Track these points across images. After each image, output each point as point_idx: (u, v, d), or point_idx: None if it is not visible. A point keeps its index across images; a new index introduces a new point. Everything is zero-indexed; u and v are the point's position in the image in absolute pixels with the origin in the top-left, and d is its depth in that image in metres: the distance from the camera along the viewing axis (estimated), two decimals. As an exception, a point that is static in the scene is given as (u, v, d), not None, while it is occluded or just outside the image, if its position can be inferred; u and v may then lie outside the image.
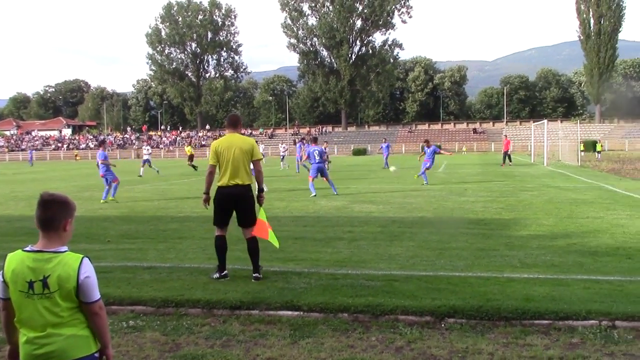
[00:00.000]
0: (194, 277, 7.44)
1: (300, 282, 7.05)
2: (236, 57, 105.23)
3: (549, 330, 5.36)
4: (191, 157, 37.69)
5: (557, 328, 5.39)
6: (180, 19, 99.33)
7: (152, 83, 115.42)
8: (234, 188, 7.37)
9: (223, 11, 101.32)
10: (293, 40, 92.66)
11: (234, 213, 7.53)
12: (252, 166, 7.61)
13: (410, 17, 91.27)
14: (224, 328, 5.67)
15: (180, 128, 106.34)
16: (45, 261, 2.79)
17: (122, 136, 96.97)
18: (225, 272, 7.37)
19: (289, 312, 5.97)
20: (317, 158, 18.51)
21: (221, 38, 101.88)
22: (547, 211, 13.42)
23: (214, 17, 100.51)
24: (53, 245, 2.83)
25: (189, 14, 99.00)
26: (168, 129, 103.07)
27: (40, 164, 63.04)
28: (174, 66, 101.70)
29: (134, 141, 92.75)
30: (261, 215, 7.67)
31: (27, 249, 2.84)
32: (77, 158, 76.07)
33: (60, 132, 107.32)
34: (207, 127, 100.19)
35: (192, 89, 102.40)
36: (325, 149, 22.36)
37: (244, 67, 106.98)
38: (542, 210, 13.54)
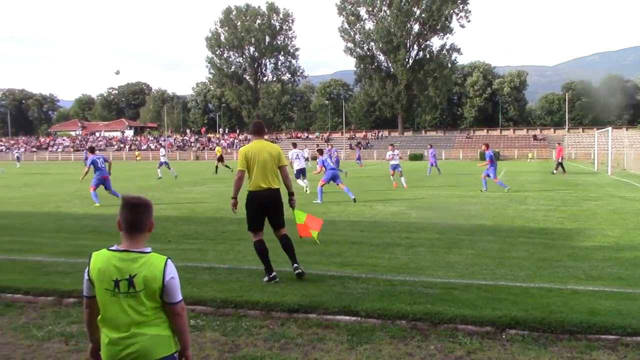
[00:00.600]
0: (253, 279, 7.52)
1: (358, 287, 7.03)
2: (293, 61, 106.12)
3: (616, 346, 5.18)
4: (221, 158, 38.57)
5: (624, 344, 5.21)
6: (239, 23, 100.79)
7: (211, 86, 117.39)
8: (266, 191, 7.52)
9: (281, 15, 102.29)
10: (350, 45, 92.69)
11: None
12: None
13: (469, 21, 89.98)
14: (282, 331, 5.71)
15: (238, 130, 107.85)
16: (131, 261, 2.86)
17: (181, 138, 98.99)
18: (274, 274, 7.44)
19: (347, 317, 5.97)
20: (332, 164, 18.78)
21: (279, 42, 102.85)
22: (612, 222, 12.98)
23: (272, 21, 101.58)
24: (138, 246, 2.92)
25: (248, 18, 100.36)
26: (226, 132, 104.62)
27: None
28: (232, 70, 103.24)
29: (193, 143, 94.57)
30: (298, 219, 7.90)
31: (113, 248, 2.91)
32: (138, 159, 78.02)
33: (123, 133, 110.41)
34: (265, 129, 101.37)
35: (249, 92, 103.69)
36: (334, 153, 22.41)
37: (300, 70, 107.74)
38: (607, 221, 13.11)
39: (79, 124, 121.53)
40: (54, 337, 5.60)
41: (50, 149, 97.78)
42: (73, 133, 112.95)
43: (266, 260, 7.52)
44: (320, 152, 19.90)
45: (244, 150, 7.71)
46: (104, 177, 17.23)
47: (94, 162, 17.29)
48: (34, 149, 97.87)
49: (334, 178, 18.50)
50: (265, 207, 7.61)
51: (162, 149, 35.32)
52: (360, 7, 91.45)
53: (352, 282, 7.28)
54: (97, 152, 18.81)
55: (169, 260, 2.94)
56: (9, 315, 6.34)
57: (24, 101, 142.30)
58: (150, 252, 2.93)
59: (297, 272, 7.46)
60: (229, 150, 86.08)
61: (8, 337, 5.64)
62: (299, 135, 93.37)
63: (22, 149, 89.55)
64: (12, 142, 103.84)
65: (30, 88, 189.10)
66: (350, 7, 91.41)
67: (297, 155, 20.96)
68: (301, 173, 20.40)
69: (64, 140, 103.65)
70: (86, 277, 2.92)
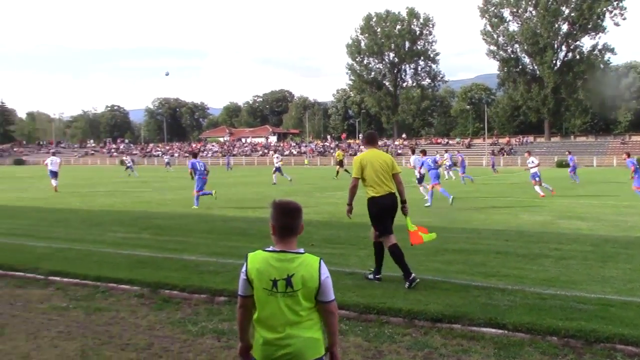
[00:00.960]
0: (395, 285, 7.50)
1: (504, 299, 6.78)
2: (433, 66, 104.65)
3: None
4: (341, 163, 39.40)
5: None
6: (379, 29, 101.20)
7: (351, 92, 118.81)
8: (386, 196, 7.83)
9: (421, 20, 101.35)
10: (493, 47, 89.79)
11: None
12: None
13: (624, 19, 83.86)
14: (425, 340, 5.64)
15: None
16: (288, 261, 2.98)
17: (322, 144, 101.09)
18: (413, 275, 7.52)
19: (493, 330, 5.78)
20: (432, 164, 19.50)
21: (419, 47, 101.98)
22: None
23: (412, 26, 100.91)
24: (293, 247, 3.04)
25: (388, 24, 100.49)
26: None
27: (246, 169, 67.81)
28: (372, 76, 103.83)
29: (333, 149, 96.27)
30: (409, 226, 8.16)
31: (269, 249, 3.04)
32: (281, 164, 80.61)
33: (267, 139, 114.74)
34: (404, 135, 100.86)
35: (389, 98, 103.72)
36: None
37: (441, 75, 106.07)
38: None
39: (227, 131, 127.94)
40: (207, 333, 5.92)
41: (200, 154, 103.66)
42: (221, 139, 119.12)
43: (403, 264, 7.64)
44: (424, 152, 20.74)
45: (359, 158, 7.99)
46: (203, 178, 18.46)
47: (193, 166, 18.56)
48: (187, 154, 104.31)
49: (438, 176, 19.44)
50: (390, 210, 7.90)
51: (276, 156, 36.09)
52: (504, 9, 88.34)
53: (497, 294, 7.04)
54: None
55: (322, 260, 3.04)
56: (166, 310, 6.79)
57: (177, 109, 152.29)
58: (304, 253, 3.03)
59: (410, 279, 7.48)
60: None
61: (166, 331, 6.03)
62: (438, 140, 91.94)
63: (176, 154, 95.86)
64: (167, 147, 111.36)
65: (184, 97, 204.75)
66: (493, 8, 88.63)
67: (432, 159, 20.62)
68: (438, 177, 20.00)
69: (213, 145, 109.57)
70: (243, 276, 3.02)
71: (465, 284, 7.49)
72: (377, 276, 7.88)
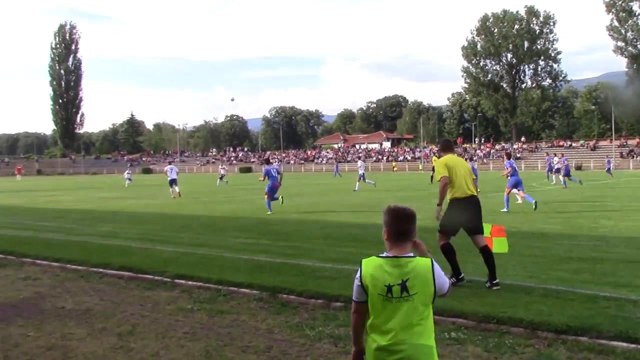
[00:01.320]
0: (516, 294, 7.23)
1: (637, 311, 6.35)
2: (554, 65, 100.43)
3: None
4: (434, 169, 37.59)
5: None
6: (495, 30, 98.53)
7: (467, 96, 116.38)
8: (471, 198, 8.04)
9: (541, 18, 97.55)
10: (620, 44, 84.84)
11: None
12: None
13: None
14: (549, 352, 5.39)
15: (494, 140, 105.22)
16: (402, 266, 2.98)
17: (437, 148, 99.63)
18: (462, 275, 8.01)
19: (624, 344, 5.42)
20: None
21: (538, 46, 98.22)
22: None
23: (531, 25, 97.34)
24: (405, 252, 3.04)
25: (505, 24, 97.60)
26: (482, 142, 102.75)
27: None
28: (488, 78, 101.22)
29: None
30: (485, 231, 8.16)
31: (383, 255, 3.05)
32: (395, 170, 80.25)
33: (381, 144, 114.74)
34: (523, 139, 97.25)
35: (507, 100, 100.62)
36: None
37: (563, 75, 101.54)
38: None
39: (341, 137, 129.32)
40: (324, 338, 5.98)
41: (315, 160, 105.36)
42: (336, 145, 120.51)
43: (454, 262, 7.98)
44: (508, 155, 20.16)
45: (444, 161, 8.23)
46: (275, 185, 19.35)
47: (267, 172, 19.60)
48: (302, 161, 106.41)
49: (517, 184, 18.98)
50: (466, 212, 8.01)
51: (361, 162, 35.69)
52: (633, 2, 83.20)
53: (629, 305, 6.60)
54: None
55: (434, 260, 3.05)
56: (284, 314, 6.94)
57: (293, 117, 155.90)
58: (415, 257, 3.04)
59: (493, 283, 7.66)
60: (484, 161, 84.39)
61: (285, 334, 6.17)
62: (560, 143, 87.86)
63: (292, 161, 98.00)
64: (284, 155, 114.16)
65: (299, 105, 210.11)
66: (620, 2, 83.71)
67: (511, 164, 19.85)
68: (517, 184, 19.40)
69: (327, 152, 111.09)
70: (358, 282, 3.03)
71: (592, 294, 7.08)
72: (459, 277, 7.99)
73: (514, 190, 19.54)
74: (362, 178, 33.08)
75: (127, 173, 52.30)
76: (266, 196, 19.14)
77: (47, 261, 10.63)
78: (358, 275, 3.03)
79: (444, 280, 3.05)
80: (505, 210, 17.87)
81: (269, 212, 18.60)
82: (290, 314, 6.94)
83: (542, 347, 5.54)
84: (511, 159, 20.02)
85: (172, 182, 28.24)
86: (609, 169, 47.32)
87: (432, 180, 36.66)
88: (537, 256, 9.85)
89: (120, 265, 9.79)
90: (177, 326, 6.53)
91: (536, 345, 5.60)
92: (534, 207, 17.82)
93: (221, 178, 44.09)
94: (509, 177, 19.18)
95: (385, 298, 2.96)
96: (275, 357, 5.50)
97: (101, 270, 9.67)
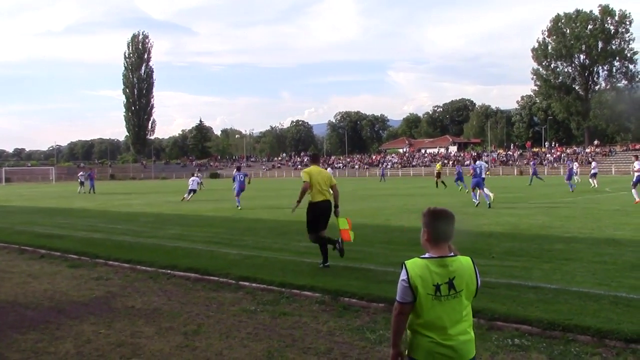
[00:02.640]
0: (583, 302, 7.02)
1: None
2: (631, 66, 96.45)
3: None
4: (439, 174, 42.08)
5: None
6: (568, 30, 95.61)
7: (537, 99, 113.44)
8: (324, 202, 10.01)
9: (616, 18, 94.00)
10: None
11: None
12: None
13: None
14: (617, 361, 5.23)
15: (565, 144, 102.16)
16: (447, 265, 3.11)
17: (504, 153, 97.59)
18: (328, 263, 9.95)
19: (699, 355, 5.19)
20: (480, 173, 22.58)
21: (613, 47, 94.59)
22: None
23: (606, 25, 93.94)
24: (447, 252, 3.17)
25: (578, 25, 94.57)
26: (552, 145, 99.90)
27: (424, 180, 67.23)
28: (560, 80, 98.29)
29: (517, 158, 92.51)
30: (341, 225, 9.92)
31: (425, 256, 3.17)
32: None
33: (447, 149, 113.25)
34: (596, 142, 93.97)
35: (579, 102, 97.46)
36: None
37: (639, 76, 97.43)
38: None
39: (406, 142, 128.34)
40: (385, 341, 5.98)
41: (380, 165, 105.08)
42: (401, 150, 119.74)
43: (324, 250, 9.96)
44: (474, 159, 24.48)
45: (308, 170, 10.20)
46: (242, 187, 25.36)
47: (234, 177, 26.07)
48: (367, 166, 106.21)
49: (478, 185, 22.61)
50: (323, 213, 10.00)
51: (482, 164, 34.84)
52: None
53: None
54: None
55: (472, 259, 3.22)
56: (346, 317, 6.98)
57: (358, 122, 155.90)
58: (456, 255, 3.17)
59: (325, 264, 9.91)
60: (555, 165, 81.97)
61: (345, 337, 6.21)
62: (636, 146, 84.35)
63: (356, 166, 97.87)
64: (348, 159, 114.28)
65: (364, 110, 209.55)
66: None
67: (478, 165, 22.99)
68: (476, 185, 22.84)
69: (392, 157, 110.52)
70: (405, 284, 3.08)
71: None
72: (326, 264, 9.93)
73: (485, 190, 22.34)
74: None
75: (197, 176, 53.37)
76: (236, 196, 25.03)
77: (118, 262, 11.04)
78: (405, 276, 3.09)
79: (479, 277, 3.21)
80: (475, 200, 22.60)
81: (239, 208, 23.92)
82: (352, 317, 6.98)
83: (610, 356, 5.38)
84: (477, 162, 23.09)
85: (192, 191, 31.36)
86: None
87: (437, 185, 40.67)
88: (607, 263, 9.52)
89: (187, 267, 10.07)
90: (241, 327, 6.67)
91: (604, 354, 5.44)
92: (476, 204, 22.13)
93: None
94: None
95: (435, 297, 3.06)
96: None
97: (169, 271, 9.98)
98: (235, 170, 26.96)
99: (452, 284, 3.08)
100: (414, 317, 3.13)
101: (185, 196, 31.02)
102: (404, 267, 3.12)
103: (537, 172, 46.07)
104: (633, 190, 22.31)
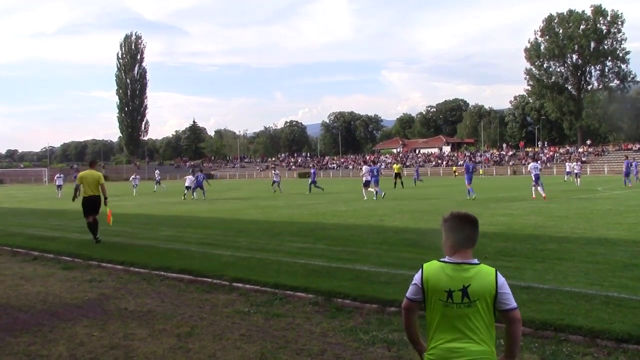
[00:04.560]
0: (575, 301, 7.06)
1: None
2: (623, 66, 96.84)
3: None
4: (398, 175, 43.96)
5: None
6: (560, 30, 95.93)
7: (530, 99, 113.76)
8: (92, 197, 14.18)
9: (608, 18, 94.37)
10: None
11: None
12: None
13: None
14: (608, 361, 5.26)
15: (558, 144, 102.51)
16: (464, 271, 2.96)
17: (498, 153, 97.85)
18: (98, 238, 14.02)
19: (690, 354, 5.23)
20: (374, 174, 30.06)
21: (605, 47, 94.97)
22: None
23: (598, 25, 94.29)
24: (469, 258, 3.01)
25: (570, 25, 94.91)
26: (545, 145, 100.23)
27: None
28: (552, 80, 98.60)
29: (510, 158, 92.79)
30: (106, 210, 14.42)
31: (445, 260, 3.03)
32: (456, 174, 79.18)
33: (440, 149, 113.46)
34: (588, 142, 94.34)
35: (571, 102, 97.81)
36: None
37: (632, 76, 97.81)
38: None
39: (400, 142, 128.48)
40: (378, 342, 6.01)
41: (374, 165, 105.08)
42: (394, 150, 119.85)
43: (94, 231, 14.05)
44: (365, 162, 28.74)
45: (81, 174, 14.47)
46: (200, 185, 33.77)
47: (197, 177, 34.36)
48: (360, 166, 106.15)
49: (367, 184, 29.73)
50: (91, 205, 14.12)
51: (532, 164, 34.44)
52: None
53: (695, 314, 6.35)
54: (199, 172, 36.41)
55: (497, 270, 3.01)
56: (339, 318, 6.99)
57: (352, 122, 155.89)
58: (479, 264, 3.00)
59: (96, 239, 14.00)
60: (548, 165, 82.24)
61: (339, 338, 6.22)
62: (629, 146, 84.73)
63: (350, 166, 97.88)
64: (342, 160, 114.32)
65: (358, 110, 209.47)
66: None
67: (371, 168, 31.29)
68: (367, 184, 29.90)
69: (386, 157, 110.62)
70: (418, 284, 3.02)
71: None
72: (97, 239, 13.96)
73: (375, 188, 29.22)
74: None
75: (157, 175, 55.86)
76: (193, 190, 33.57)
77: (111, 264, 11.03)
78: (419, 277, 3.04)
79: (507, 294, 2.96)
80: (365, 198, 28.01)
81: (193, 198, 32.88)
82: (345, 318, 6.99)
83: (602, 356, 5.41)
84: (372, 165, 31.63)
85: (188, 188, 34.83)
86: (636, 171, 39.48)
87: (402, 185, 42.35)
88: (599, 263, 9.57)
89: (181, 269, 10.07)
90: (234, 328, 6.68)
91: (595, 353, 5.47)
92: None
93: (274, 184, 43.48)
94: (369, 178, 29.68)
95: (446, 303, 2.95)
96: (328, 361, 5.57)
97: (162, 273, 9.97)
98: (198, 171, 35.33)
99: (466, 292, 2.91)
100: (428, 320, 3.04)
101: (186, 194, 34.72)
102: (421, 267, 3.05)
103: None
104: (535, 187, 26.03)
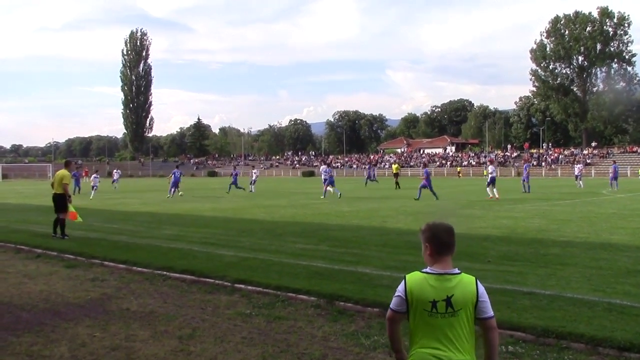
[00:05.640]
0: (577, 308, 7.04)
1: None
2: (629, 68, 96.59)
3: None
4: (396, 175, 44.10)
5: None
6: (566, 32, 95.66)
7: (535, 100, 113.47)
8: (57, 194, 15.08)
9: (615, 20, 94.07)
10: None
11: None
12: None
13: None
14: (610, 370, 5.24)
15: (563, 145, 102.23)
16: (446, 281, 3.03)
17: (502, 154, 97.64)
18: (55, 235, 14.83)
19: (691, 364, 5.21)
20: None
21: (612, 49, 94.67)
22: None
23: (604, 27, 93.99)
24: (449, 267, 3.08)
25: (576, 26, 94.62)
26: (550, 147, 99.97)
27: (422, 180, 67.14)
28: (558, 81, 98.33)
29: (514, 159, 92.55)
30: (71, 209, 15.26)
31: (427, 270, 3.10)
32: (460, 175, 79.11)
33: (445, 149, 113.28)
34: (593, 144, 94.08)
35: (577, 104, 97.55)
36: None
37: (638, 78, 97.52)
38: None
39: (404, 142, 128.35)
40: (379, 347, 6.00)
41: (378, 165, 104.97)
42: (399, 150, 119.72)
43: (55, 226, 14.92)
44: (325, 163, 29.33)
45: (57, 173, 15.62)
46: (176, 181, 33.13)
47: (173, 173, 33.75)
48: (365, 165, 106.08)
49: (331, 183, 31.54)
50: (55, 201, 15.07)
51: (490, 166, 33.67)
52: None
53: (698, 323, 6.33)
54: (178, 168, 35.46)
55: (477, 280, 3.09)
56: (341, 321, 6.99)
57: (357, 122, 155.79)
58: (460, 273, 3.08)
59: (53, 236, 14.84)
60: (552, 167, 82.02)
61: (340, 342, 6.22)
62: (634, 149, 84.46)
63: (354, 165, 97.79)
64: (347, 159, 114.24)
65: (363, 109, 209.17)
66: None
67: (325, 170, 33.80)
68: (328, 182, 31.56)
69: (390, 157, 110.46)
70: (402, 296, 3.08)
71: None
72: (54, 234, 14.86)
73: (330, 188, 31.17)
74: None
75: (116, 172, 53.33)
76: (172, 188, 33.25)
77: (114, 263, 11.05)
78: (402, 289, 3.09)
79: (487, 302, 3.08)
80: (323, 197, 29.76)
81: (168, 197, 32.61)
82: (347, 321, 6.99)
83: (604, 365, 5.39)
84: (328, 167, 34.86)
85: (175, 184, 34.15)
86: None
87: (398, 186, 41.62)
88: (602, 268, 9.55)
89: (183, 269, 10.08)
90: (236, 331, 6.68)
91: (597, 362, 5.45)
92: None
93: (252, 184, 40.10)
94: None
95: (430, 314, 3.00)
96: (329, 365, 5.56)
97: (165, 273, 9.98)
98: (175, 168, 35.62)
99: (450, 302, 2.99)
100: (411, 329, 3.10)
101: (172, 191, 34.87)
102: (403, 279, 3.11)
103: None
104: (487, 189, 28.09)
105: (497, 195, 27.40)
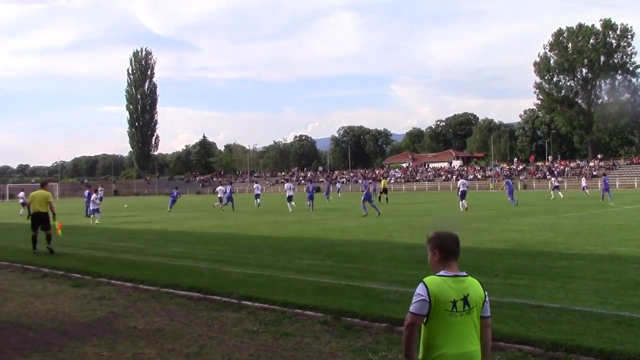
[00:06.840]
0: (586, 321, 6.99)
1: None
2: (633, 80, 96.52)
3: None
4: (385, 190, 44.81)
5: None
6: (570, 45, 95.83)
7: (540, 112, 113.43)
8: (39, 213, 15.90)
9: (618, 32, 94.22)
10: None
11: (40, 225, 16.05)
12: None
13: None
14: (620, 383, 5.20)
15: (568, 158, 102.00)
16: (461, 282, 3.34)
17: (508, 167, 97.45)
18: (36, 251, 15.65)
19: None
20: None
21: (615, 61, 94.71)
22: None
23: (607, 39, 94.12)
24: (457, 270, 3.39)
25: (580, 38, 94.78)
26: (556, 159, 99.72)
27: (428, 195, 67.23)
28: (562, 94, 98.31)
29: (520, 172, 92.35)
30: (55, 225, 16.52)
31: (442, 274, 3.35)
32: (492, 189, 78.72)
33: (450, 163, 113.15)
34: (599, 156, 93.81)
35: (582, 116, 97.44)
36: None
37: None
38: None
39: (410, 156, 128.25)
40: (387, 363, 5.97)
41: (384, 179, 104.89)
42: (404, 165, 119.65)
43: (34, 244, 15.71)
44: (287, 180, 30.71)
45: (32, 194, 16.44)
46: (174, 198, 38.90)
47: (171, 193, 40.02)
48: (370, 180, 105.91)
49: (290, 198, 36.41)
50: (39, 220, 15.88)
51: (462, 180, 33.98)
52: None
53: None
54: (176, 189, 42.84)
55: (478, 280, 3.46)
56: (348, 337, 6.96)
57: (362, 137, 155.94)
58: (467, 275, 3.40)
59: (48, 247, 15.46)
60: (559, 179, 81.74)
61: (347, 358, 6.20)
62: (639, 160, 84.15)
63: (360, 180, 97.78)
64: (352, 174, 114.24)
65: (367, 124, 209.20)
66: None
67: (290, 187, 38.58)
68: (290, 198, 36.41)
69: (396, 171, 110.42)
70: (425, 298, 3.25)
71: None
72: (35, 251, 15.69)
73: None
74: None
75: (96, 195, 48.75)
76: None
77: (120, 281, 11.05)
78: (424, 292, 3.26)
79: (488, 303, 3.45)
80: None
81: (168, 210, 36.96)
82: (354, 337, 6.96)
83: (613, 378, 5.34)
84: (310, 184, 37.17)
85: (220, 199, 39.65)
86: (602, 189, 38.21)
87: (387, 201, 43.53)
88: (610, 281, 9.49)
89: (190, 286, 10.06)
90: (243, 348, 6.66)
91: (607, 375, 5.41)
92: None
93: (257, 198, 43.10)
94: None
95: (451, 313, 3.25)
96: (337, 382, 5.53)
97: (172, 290, 9.97)
98: (174, 188, 40.63)
99: (467, 300, 3.28)
100: (428, 332, 3.29)
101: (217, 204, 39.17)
102: (422, 283, 3.29)
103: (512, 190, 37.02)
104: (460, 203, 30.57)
105: (466, 206, 30.26)
